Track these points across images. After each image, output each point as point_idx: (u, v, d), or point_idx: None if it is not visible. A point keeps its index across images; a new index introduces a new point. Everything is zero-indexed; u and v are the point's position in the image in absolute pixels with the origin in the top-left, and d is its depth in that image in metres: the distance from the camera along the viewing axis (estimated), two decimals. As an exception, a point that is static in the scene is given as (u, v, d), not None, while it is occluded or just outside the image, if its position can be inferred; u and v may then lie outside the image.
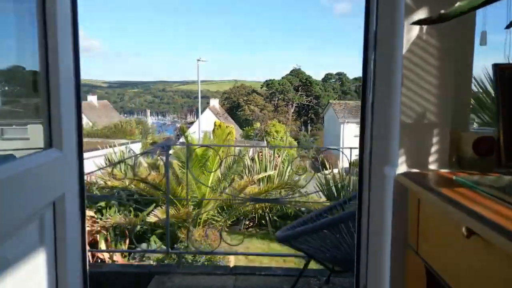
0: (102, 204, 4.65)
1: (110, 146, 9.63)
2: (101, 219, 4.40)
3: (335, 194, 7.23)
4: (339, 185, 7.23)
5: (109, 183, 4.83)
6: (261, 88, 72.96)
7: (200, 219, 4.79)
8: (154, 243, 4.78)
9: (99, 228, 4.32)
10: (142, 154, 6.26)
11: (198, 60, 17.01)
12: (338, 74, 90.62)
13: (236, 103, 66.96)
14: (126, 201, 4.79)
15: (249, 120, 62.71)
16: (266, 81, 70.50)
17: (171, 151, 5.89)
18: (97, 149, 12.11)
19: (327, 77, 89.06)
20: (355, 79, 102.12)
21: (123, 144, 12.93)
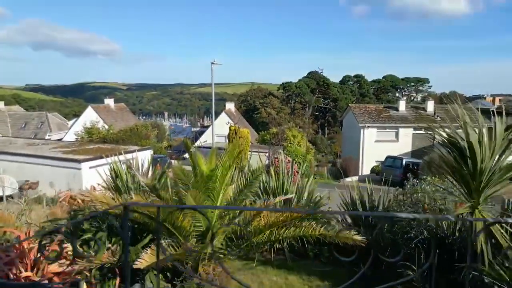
0: (89, 234, 3.92)
1: (115, 155, 8.99)
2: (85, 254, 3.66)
3: (362, 216, 6.31)
4: (367, 205, 6.31)
5: (99, 206, 4.12)
6: (278, 90, 72.02)
7: (205, 253, 4.01)
8: (151, 283, 4.01)
9: (82, 267, 3.58)
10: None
11: (212, 63, 16.35)
12: (356, 76, 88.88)
13: (253, 106, 66.30)
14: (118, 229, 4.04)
15: (265, 123, 61.91)
16: (283, 83, 69.55)
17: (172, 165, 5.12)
18: (106, 156, 11.60)
19: (345, 79, 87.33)
20: (374, 81, 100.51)
21: (130, 152, 12.40)
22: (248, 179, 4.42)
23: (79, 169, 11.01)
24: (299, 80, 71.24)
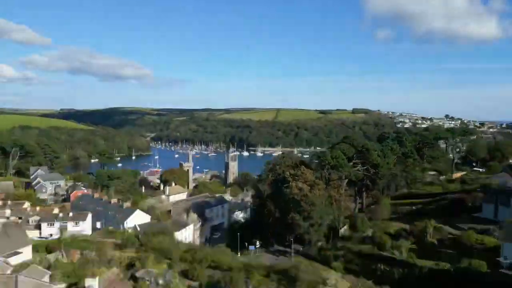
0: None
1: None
2: None
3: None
4: None
5: None
6: (307, 157, 65.61)
7: None
8: None
9: None
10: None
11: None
12: (396, 132, 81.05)
13: (282, 177, 59.49)
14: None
15: (297, 200, 55.01)
16: (317, 153, 63.04)
17: None
18: None
19: (383, 136, 79.74)
20: (416, 134, 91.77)
21: None
22: None
23: None
24: (334, 147, 64.42)
